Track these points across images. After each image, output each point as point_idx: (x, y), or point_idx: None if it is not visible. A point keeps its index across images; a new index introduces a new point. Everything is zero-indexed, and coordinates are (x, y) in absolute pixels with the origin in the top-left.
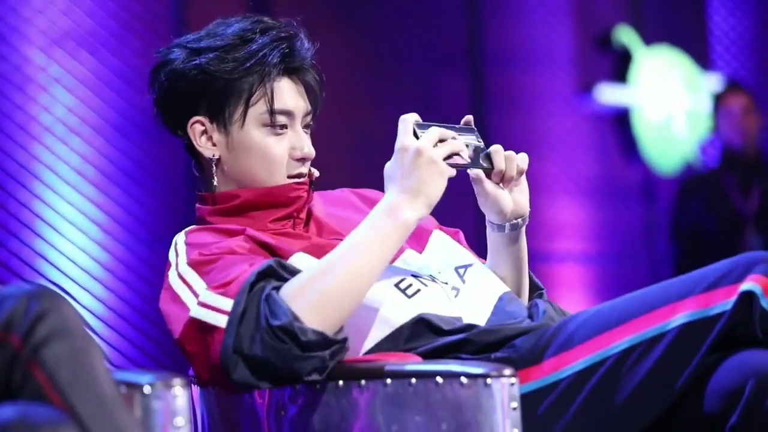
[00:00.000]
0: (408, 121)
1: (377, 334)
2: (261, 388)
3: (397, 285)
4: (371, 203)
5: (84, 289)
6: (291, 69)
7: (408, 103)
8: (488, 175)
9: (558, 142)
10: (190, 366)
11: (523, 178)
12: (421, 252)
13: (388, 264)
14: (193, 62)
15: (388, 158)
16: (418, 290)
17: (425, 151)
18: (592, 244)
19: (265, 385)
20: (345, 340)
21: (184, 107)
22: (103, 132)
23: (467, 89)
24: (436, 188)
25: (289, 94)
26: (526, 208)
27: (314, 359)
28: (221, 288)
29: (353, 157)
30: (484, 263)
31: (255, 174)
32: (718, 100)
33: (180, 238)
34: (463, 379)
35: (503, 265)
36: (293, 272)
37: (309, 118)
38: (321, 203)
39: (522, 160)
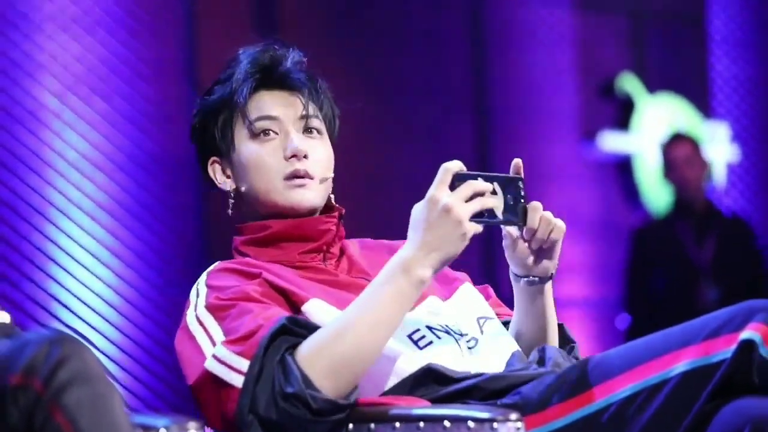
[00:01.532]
0: (449, 170)
1: (385, 383)
2: None
3: (410, 336)
4: None
5: (97, 331)
6: (265, 82)
7: (416, 148)
8: (519, 230)
9: (562, 188)
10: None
11: (557, 245)
12: (444, 300)
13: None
14: (200, 108)
15: (396, 197)
16: (431, 342)
17: (453, 209)
18: (595, 288)
19: None
20: (356, 401)
21: (200, 152)
22: (115, 177)
23: (474, 136)
24: (455, 248)
25: (270, 103)
26: (547, 271)
27: (326, 424)
28: (235, 344)
29: (361, 196)
30: (509, 316)
31: (257, 187)
32: (664, 149)
33: (203, 279)
34: (470, 423)
35: (523, 314)
36: (307, 327)
37: (306, 122)
38: (357, 246)
39: (558, 228)
